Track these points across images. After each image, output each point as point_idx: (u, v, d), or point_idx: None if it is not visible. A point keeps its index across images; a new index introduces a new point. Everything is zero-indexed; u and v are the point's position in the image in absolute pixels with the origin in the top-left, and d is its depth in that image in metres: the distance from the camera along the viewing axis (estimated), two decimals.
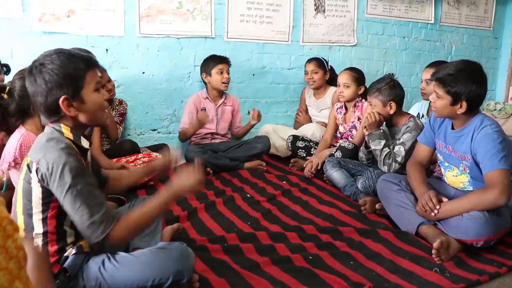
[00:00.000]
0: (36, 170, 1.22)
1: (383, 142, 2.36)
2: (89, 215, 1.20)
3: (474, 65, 1.87)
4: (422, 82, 2.78)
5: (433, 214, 1.86)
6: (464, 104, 1.83)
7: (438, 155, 2.09)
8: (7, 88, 1.69)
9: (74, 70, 1.26)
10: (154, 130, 3.33)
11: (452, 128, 1.98)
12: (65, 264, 1.28)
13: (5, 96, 1.68)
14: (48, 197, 1.25)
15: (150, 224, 1.36)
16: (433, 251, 1.74)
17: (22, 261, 0.73)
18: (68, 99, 1.25)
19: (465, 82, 1.81)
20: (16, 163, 1.70)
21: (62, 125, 1.29)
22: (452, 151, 1.97)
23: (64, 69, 1.25)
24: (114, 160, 2.56)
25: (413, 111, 2.96)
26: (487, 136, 1.80)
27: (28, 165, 1.25)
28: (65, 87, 1.25)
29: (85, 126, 1.35)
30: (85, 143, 1.34)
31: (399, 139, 2.39)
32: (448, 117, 1.95)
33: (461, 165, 1.95)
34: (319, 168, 2.83)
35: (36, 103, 1.27)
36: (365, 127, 2.42)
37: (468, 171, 1.92)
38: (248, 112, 3.54)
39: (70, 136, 1.29)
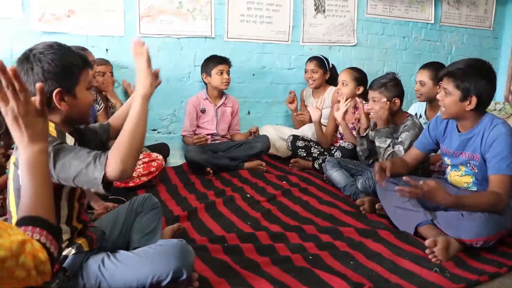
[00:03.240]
0: None
1: (388, 141, 2.36)
2: (82, 162, 1.15)
3: (484, 62, 1.89)
4: (416, 83, 2.76)
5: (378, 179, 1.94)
6: (474, 99, 1.82)
7: (445, 158, 2.09)
8: None
9: (72, 65, 1.26)
10: (154, 130, 3.33)
11: (458, 131, 1.97)
12: (65, 264, 1.28)
13: None
14: None
15: (140, 137, 1.22)
16: (427, 250, 1.75)
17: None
18: (61, 92, 1.24)
19: (474, 77, 1.81)
20: None
21: None
22: (460, 153, 1.97)
23: (64, 61, 1.24)
24: None
25: (411, 111, 2.95)
26: (500, 136, 1.80)
27: (14, 163, 1.23)
28: (62, 80, 1.24)
29: (71, 123, 1.34)
30: (69, 140, 1.31)
31: (398, 138, 2.39)
32: (457, 116, 1.92)
33: (469, 164, 1.94)
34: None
35: None
36: (367, 112, 2.44)
37: (476, 170, 1.92)
38: (249, 112, 3.55)
39: (54, 133, 1.25)
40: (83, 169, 1.15)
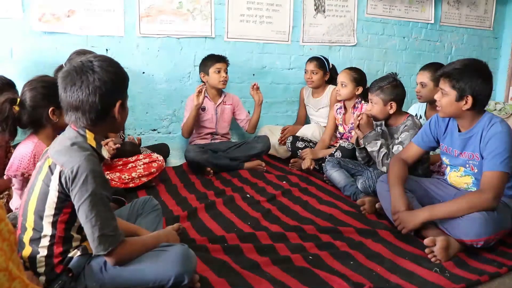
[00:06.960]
0: (60, 173, 1.21)
1: (379, 142, 2.36)
2: (100, 227, 1.21)
3: (480, 62, 1.90)
4: (417, 85, 2.76)
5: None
6: (470, 99, 1.82)
7: (444, 158, 2.09)
8: (18, 100, 1.70)
9: (127, 77, 1.34)
10: (154, 130, 3.33)
11: (459, 130, 1.97)
12: (70, 264, 1.29)
13: (17, 108, 1.69)
14: (62, 203, 1.25)
15: (145, 252, 1.37)
16: (426, 250, 1.75)
17: (13, 245, 0.75)
18: (122, 103, 1.31)
19: (470, 77, 1.82)
20: (29, 175, 1.69)
21: (87, 130, 1.29)
22: (460, 153, 1.97)
23: (124, 73, 1.32)
24: (115, 159, 2.56)
25: (411, 111, 2.94)
26: (497, 134, 1.80)
27: (50, 167, 1.24)
28: (125, 90, 1.32)
29: (105, 134, 1.38)
30: (105, 152, 1.36)
31: (398, 138, 2.39)
32: (454, 115, 1.93)
33: (468, 165, 1.94)
34: (314, 166, 2.94)
35: (83, 102, 1.24)
36: (357, 126, 2.44)
37: (476, 170, 1.91)
38: (248, 112, 3.53)
39: (93, 143, 1.30)
40: (95, 230, 1.20)
